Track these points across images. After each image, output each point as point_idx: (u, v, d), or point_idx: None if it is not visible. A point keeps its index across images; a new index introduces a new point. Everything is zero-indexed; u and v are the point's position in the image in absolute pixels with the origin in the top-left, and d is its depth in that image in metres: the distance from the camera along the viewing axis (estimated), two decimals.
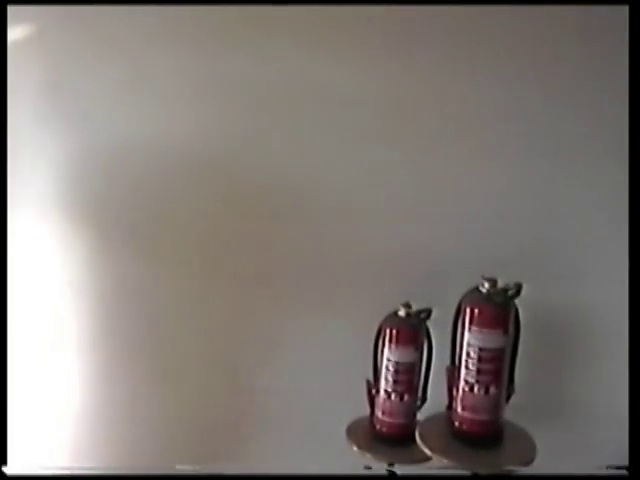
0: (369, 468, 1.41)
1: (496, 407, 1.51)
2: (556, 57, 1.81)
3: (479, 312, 1.47)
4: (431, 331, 1.71)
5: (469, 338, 1.49)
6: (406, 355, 1.68)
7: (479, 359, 1.47)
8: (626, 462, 1.31)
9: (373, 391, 1.75)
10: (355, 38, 1.79)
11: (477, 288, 1.50)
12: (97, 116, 1.86)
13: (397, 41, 1.79)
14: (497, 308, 1.47)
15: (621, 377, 1.53)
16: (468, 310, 1.50)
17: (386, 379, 1.70)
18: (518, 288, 1.47)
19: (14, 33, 1.81)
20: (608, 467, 1.42)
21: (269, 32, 1.78)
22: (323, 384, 1.94)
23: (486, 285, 1.48)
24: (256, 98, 1.81)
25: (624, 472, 1.34)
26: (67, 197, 1.91)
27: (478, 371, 1.47)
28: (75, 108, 1.86)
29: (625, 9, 1.50)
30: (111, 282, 1.91)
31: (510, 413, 1.56)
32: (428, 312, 1.68)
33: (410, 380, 1.70)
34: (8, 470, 1.49)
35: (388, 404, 1.71)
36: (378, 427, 1.75)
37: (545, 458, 1.52)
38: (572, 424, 1.93)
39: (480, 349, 1.47)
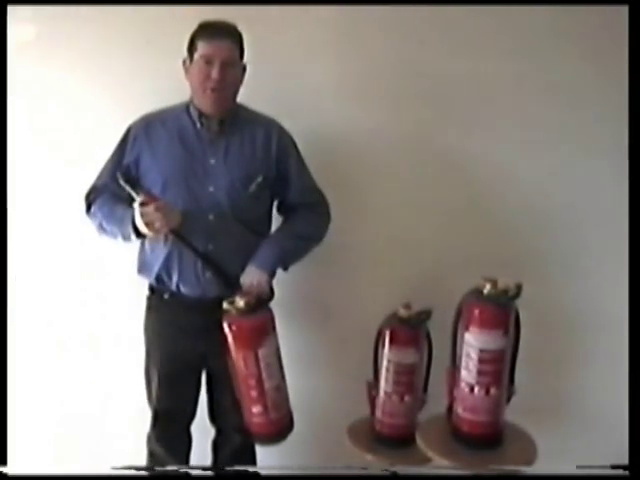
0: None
1: (496, 408, 1.50)
2: (557, 56, 1.81)
3: (479, 313, 1.47)
4: (431, 332, 1.71)
5: (469, 339, 1.48)
6: (406, 356, 1.68)
7: (479, 360, 1.46)
8: (626, 462, 1.31)
9: (373, 392, 1.75)
10: None
11: (477, 289, 1.50)
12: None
13: None
14: (497, 309, 1.47)
15: (621, 377, 1.53)
16: (468, 311, 1.49)
17: (386, 380, 1.69)
18: (518, 289, 1.47)
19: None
20: (608, 467, 1.42)
21: None
22: (324, 385, 1.95)
23: (486, 286, 1.47)
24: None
25: (624, 472, 1.34)
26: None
27: (478, 372, 1.47)
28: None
29: (625, 9, 1.50)
30: None
31: (510, 414, 1.56)
32: (428, 313, 1.68)
33: (410, 381, 1.69)
34: (8, 470, 1.48)
35: (388, 405, 1.71)
36: (378, 428, 1.75)
37: (545, 458, 1.53)
38: (572, 424, 1.94)
39: (480, 350, 1.46)
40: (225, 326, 1.56)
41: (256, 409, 1.60)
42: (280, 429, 1.65)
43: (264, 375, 1.57)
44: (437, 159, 1.89)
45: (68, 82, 1.91)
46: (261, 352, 1.56)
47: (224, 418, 1.80)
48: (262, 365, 1.56)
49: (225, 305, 1.55)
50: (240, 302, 1.54)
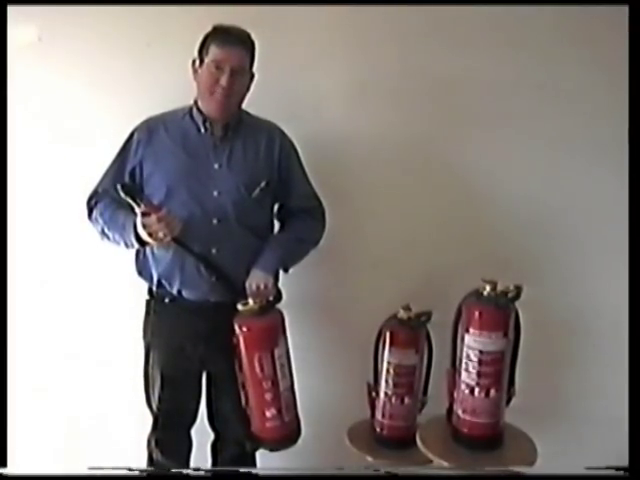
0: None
1: (496, 410, 1.51)
2: (557, 57, 1.81)
3: (479, 315, 1.47)
4: (431, 334, 1.71)
5: (469, 341, 1.49)
6: (406, 358, 1.68)
7: (479, 362, 1.47)
8: (626, 462, 1.31)
9: (374, 394, 1.75)
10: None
11: (477, 291, 1.50)
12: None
13: None
14: (497, 311, 1.47)
15: (621, 379, 1.53)
16: (468, 313, 1.50)
17: (386, 382, 1.70)
18: (518, 291, 1.47)
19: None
20: (608, 467, 1.42)
21: None
22: (324, 387, 1.95)
23: (486, 288, 1.48)
24: None
25: (624, 473, 1.34)
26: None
27: (478, 374, 1.48)
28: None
29: (625, 9, 1.50)
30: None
31: (510, 415, 1.56)
32: (428, 315, 1.67)
33: (410, 383, 1.69)
34: (8, 470, 1.49)
35: (388, 407, 1.71)
36: (379, 430, 1.75)
37: (545, 459, 1.53)
38: (572, 426, 1.94)
39: (480, 352, 1.47)
40: (237, 329, 1.55)
41: (270, 413, 1.58)
42: (292, 431, 1.65)
43: (279, 375, 1.57)
44: (437, 162, 1.89)
45: (68, 83, 1.91)
46: (277, 351, 1.56)
47: (224, 424, 1.80)
48: (277, 365, 1.56)
49: (240, 307, 1.55)
50: (254, 303, 1.55)
